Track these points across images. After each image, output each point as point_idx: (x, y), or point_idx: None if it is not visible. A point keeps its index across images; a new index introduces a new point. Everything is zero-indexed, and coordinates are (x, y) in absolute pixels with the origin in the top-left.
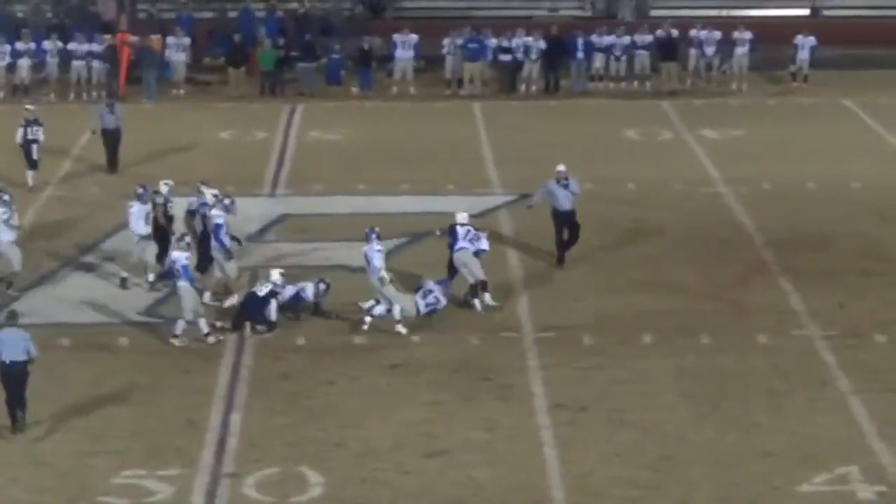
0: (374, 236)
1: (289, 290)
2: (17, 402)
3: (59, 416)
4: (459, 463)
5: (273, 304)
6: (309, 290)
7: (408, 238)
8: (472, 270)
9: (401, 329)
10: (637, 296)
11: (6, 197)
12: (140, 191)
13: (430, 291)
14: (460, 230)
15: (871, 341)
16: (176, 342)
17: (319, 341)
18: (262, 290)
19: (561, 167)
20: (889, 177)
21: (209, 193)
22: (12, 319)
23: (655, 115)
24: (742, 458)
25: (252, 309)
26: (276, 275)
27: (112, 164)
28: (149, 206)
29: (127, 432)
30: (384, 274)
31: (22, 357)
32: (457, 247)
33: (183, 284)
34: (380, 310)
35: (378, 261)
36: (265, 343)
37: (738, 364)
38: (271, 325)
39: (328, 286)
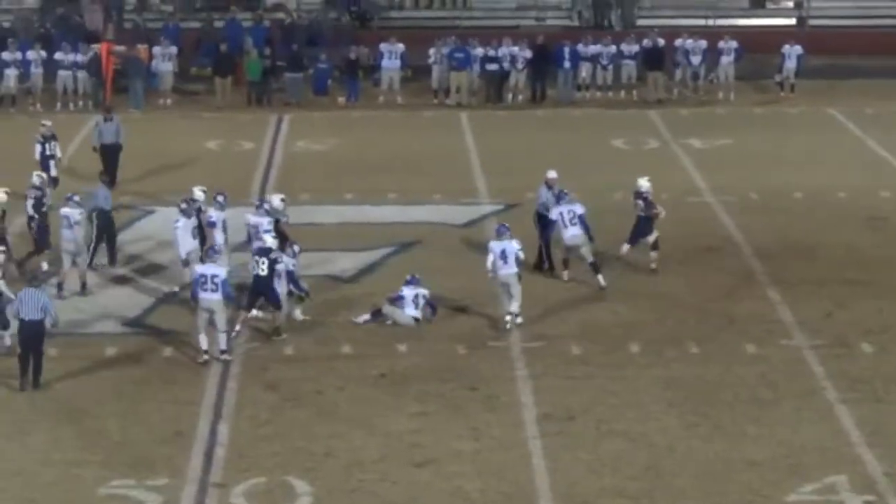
0: (508, 232)
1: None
2: (31, 359)
3: (46, 427)
4: (447, 473)
5: (283, 276)
6: (287, 260)
7: (395, 247)
8: (587, 253)
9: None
10: (624, 305)
11: (77, 198)
12: (184, 205)
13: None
14: (565, 217)
15: (857, 351)
16: (227, 356)
17: (306, 351)
18: (263, 269)
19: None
20: (875, 186)
21: (277, 199)
22: (34, 281)
23: (642, 125)
24: (730, 467)
25: (262, 289)
26: (269, 239)
27: (111, 179)
28: (194, 220)
29: (114, 442)
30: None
31: (38, 316)
32: (568, 234)
33: (219, 299)
34: (515, 307)
35: (520, 257)
36: (252, 353)
37: (726, 374)
38: (278, 304)
39: (300, 248)
